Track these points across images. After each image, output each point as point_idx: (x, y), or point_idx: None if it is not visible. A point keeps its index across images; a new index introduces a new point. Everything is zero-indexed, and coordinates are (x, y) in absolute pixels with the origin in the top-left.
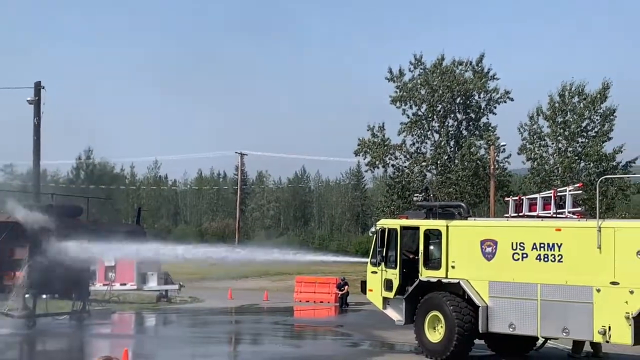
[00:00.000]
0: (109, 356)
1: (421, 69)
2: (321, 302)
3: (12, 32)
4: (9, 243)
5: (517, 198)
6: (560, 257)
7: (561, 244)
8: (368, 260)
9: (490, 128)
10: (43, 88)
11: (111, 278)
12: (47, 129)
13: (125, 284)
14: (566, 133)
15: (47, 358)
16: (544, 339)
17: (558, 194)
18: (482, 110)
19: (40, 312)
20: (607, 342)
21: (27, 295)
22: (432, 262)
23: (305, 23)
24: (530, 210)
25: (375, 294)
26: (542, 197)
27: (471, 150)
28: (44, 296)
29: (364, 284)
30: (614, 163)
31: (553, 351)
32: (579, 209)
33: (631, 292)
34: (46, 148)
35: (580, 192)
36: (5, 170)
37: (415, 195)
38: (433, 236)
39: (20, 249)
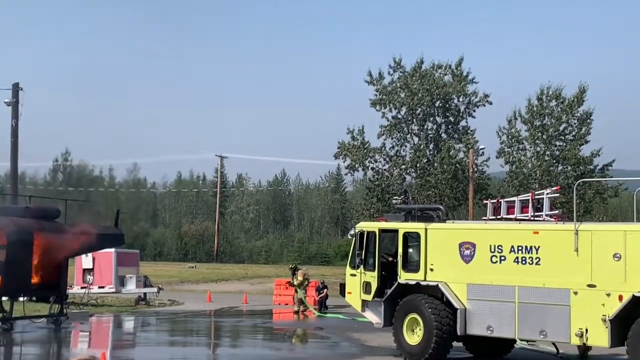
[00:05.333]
0: (92, 356)
1: (400, 72)
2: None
3: None
4: None
5: (495, 201)
6: (537, 259)
7: (539, 247)
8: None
9: (469, 131)
10: (21, 89)
11: (89, 281)
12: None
13: (103, 287)
14: (544, 136)
15: None
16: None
17: (536, 197)
18: (461, 114)
19: (17, 315)
20: (584, 344)
21: (4, 298)
22: (411, 265)
23: (282, 25)
24: (508, 213)
25: (354, 297)
26: (520, 200)
27: (450, 153)
28: (21, 299)
29: (343, 286)
30: (592, 166)
31: (538, 355)
32: (557, 211)
33: (608, 295)
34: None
35: (557, 195)
36: None
37: (395, 198)
38: (412, 239)
39: None
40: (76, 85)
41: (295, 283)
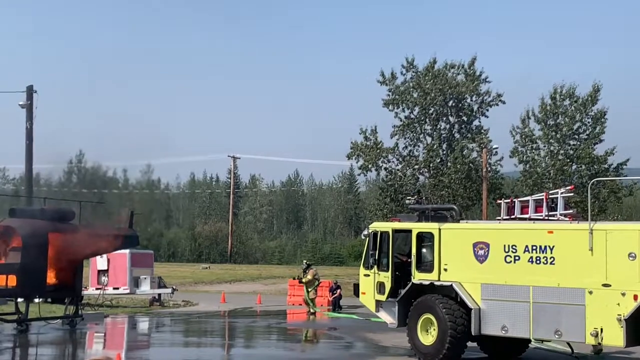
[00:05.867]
0: (107, 357)
1: (413, 72)
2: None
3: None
4: (1, 247)
5: (509, 201)
6: (552, 259)
7: (553, 247)
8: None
9: (482, 131)
10: (35, 92)
11: (104, 282)
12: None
13: (118, 288)
14: (558, 136)
15: None
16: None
17: (550, 196)
18: (474, 113)
19: (33, 317)
20: (599, 344)
21: (19, 300)
22: (425, 265)
23: (298, 25)
24: (522, 213)
25: (368, 297)
26: (534, 200)
27: (463, 153)
28: (36, 300)
29: (356, 287)
30: (606, 165)
31: (553, 355)
32: (571, 211)
33: (623, 294)
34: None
35: (572, 194)
36: None
37: (408, 198)
38: (425, 239)
39: (12, 252)
40: (90, 87)
41: (304, 280)
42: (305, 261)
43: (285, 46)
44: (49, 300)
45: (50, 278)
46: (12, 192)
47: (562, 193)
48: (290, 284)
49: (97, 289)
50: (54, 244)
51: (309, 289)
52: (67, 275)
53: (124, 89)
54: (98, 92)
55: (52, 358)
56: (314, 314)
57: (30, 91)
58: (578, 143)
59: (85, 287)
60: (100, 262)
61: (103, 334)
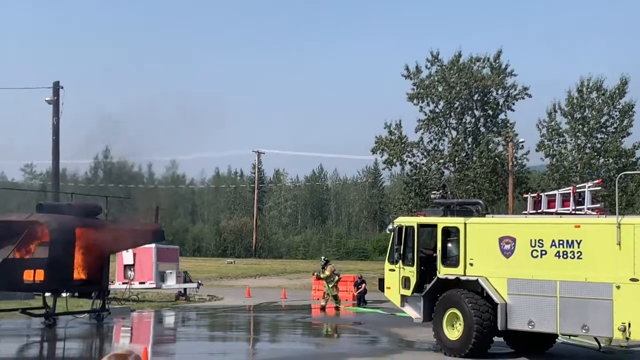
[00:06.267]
0: (130, 350)
1: (438, 65)
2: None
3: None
4: (29, 242)
5: (535, 195)
6: (579, 253)
7: (580, 241)
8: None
9: (508, 125)
10: (62, 88)
11: (130, 276)
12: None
13: (144, 283)
14: (585, 129)
15: (68, 355)
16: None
17: (577, 190)
18: (500, 107)
19: (60, 311)
20: (627, 339)
21: (47, 294)
22: (450, 260)
23: (320, 18)
24: (548, 207)
25: (393, 292)
26: (561, 194)
27: (489, 147)
28: (64, 294)
29: (381, 281)
30: (634, 159)
31: (580, 350)
32: (598, 205)
33: None
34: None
35: (599, 188)
36: (26, 170)
37: (433, 192)
38: (451, 233)
39: (40, 247)
40: (115, 81)
41: (322, 276)
42: (323, 257)
43: (310, 40)
44: (76, 294)
45: (78, 273)
46: (39, 187)
47: (589, 187)
48: (315, 278)
49: (123, 283)
50: (81, 239)
51: (330, 285)
52: (94, 270)
53: (149, 83)
54: (124, 86)
55: (79, 352)
56: (323, 308)
57: (56, 87)
58: (605, 136)
59: (112, 282)
60: (127, 256)
61: (130, 328)
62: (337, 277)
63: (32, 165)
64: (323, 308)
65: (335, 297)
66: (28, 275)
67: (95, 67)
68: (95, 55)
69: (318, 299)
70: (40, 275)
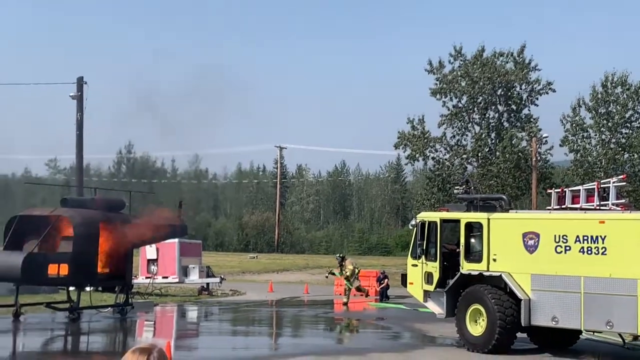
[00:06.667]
0: (153, 344)
1: (461, 60)
2: (361, 295)
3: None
4: (53, 236)
5: (559, 190)
6: (604, 249)
7: (605, 237)
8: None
9: (532, 120)
10: (85, 83)
11: (153, 271)
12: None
13: (167, 277)
14: (609, 124)
15: (92, 349)
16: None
17: (601, 185)
18: (523, 102)
19: (84, 305)
20: None
21: (71, 288)
22: (473, 255)
23: (342, 14)
24: (573, 203)
25: (416, 287)
26: (585, 189)
27: (513, 142)
28: (87, 288)
29: (404, 277)
30: None
31: (604, 346)
32: (623, 200)
33: None
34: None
35: (624, 183)
36: (50, 165)
37: (456, 187)
38: (474, 229)
39: (64, 242)
40: (137, 77)
41: (348, 274)
42: (338, 254)
43: (334, 35)
44: (100, 289)
45: (101, 267)
46: (63, 182)
47: (614, 182)
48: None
49: (146, 278)
50: (104, 233)
51: (351, 279)
52: (118, 264)
53: (170, 78)
54: (145, 82)
55: (103, 346)
56: (346, 304)
57: (80, 82)
58: (630, 131)
59: (135, 276)
60: (150, 251)
61: (153, 323)
62: (356, 270)
63: (56, 160)
64: (346, 304)
65: (359, 289)
66: (52, 270)
67: (125, 59)
68: (122, 47)
69: (340, 294)
70: (64, 269)
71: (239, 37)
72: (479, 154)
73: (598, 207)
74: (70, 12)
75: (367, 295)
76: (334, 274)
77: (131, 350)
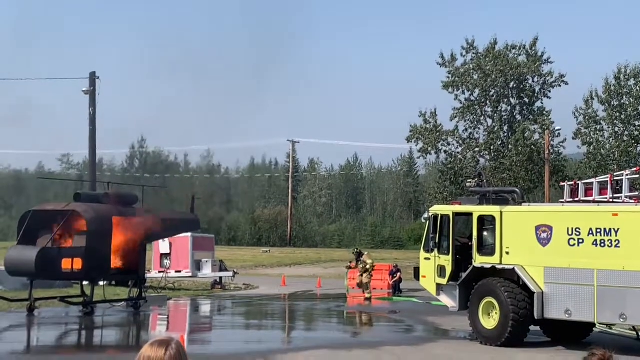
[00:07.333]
0: (170, 337)
1: (473, 53)
2: (374, 288)
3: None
4: (67, 231)
5: (572, 183)
6: (617, 242)
7: (618, 229)
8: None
9: (544, 112)
10: (98, 78)
11: (166, 265)
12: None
13: (180, 271)
14: (622, 116)
15: (106, 343)
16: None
17: (615, 178)
18: (536, 95)
19: (98, 299)
20: None
21: (85, 283)
22: (486, 248)
23: (352, 7)
24: (586, 195)
25: (429, 281)
26: (599, 182)
27: (525, 135)
28: (101, 283)
29: (417, 270)
30: None
31: (618, 339)
32: (637, 193)
33: None
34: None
35: (637, 176)
36: (63, 160)
37: (468, 181)
38: (487, 222)
39: (78, 236)
40: (152, 71)
41: (368, 268)
42: (355, 248)
43: (344, 28)
44: (114, 283)
45: (115, 261)
46: (76, 177)
47: (627, 175)
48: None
49: (160, 272)
50: (118, 228)
51: (363, 274)
52: (131, 259)
53: (183, 73)
54: (160, 75)
55: (117, 340)
56: (369, 299)
57: (92, 78)
58: None
59: (149, 270)
60: (163, 245)
61: (166, 317)
62: (371, 267)
63: (69, 155)
64: (369, 299)
65: (367, 286)
66: (66, 264)
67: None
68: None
69: (354, 287)
70: (78, 264)
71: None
72: (492, 147)
73: (611, 200)
74: None
75: (369, 299)
76: (367, 269)
77: (149, 343)
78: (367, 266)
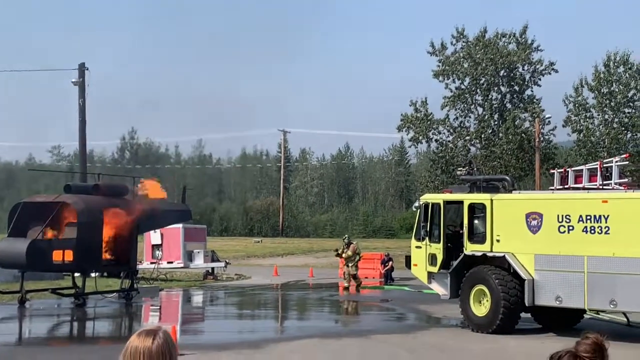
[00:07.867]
0: (159, 326)
1: (463, 42)
2: (366, 277)
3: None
4: (57, 223)
5: (562, 170)
6: (607, 229)
7: (608, 216)
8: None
9: (534, 100)
10: (87, 69)
11: (158, 256)
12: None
13: (172, 262)
14: (612, 104)
15: (98, 334)
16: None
17: (604, 165)
18: (526, 83)
19: (89, 290)
20: None
21: (76, 274)
22: (477, 236)
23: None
24: (576, 183)
25: (420, 269)
26: (588, 169)
27: (515, 123)
28: (93, 274)
29: (408, 259)
30: None
31: (608, 325)
32: (626, 180)
33: None
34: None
35: (627, 163)
36: (53, 152)
37: (459, 169)
38: (477, 210)
39: (68, 228)
40: (143, 62)
41: (343, 256)
42: (346, 236)
43: (336, 17)
44: (105, 274)
45: (106, 253)
46: (66, 168)
47: (616, 162)
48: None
49: (151, 263)
50: (108, 219)
51: (349, 264)
52: (123, 250)
53: (175, 62)
54: (152, 65)
55: (109, 331)
56: (347, 288)
57: (82, 68)
58: (633, 111)
59: (140, 262)
60: (154, 236)
61: (158, 307)
62: (357, 257)
63: (59, 147)
64: (347, 288)
65: (355, 277)
66: (57, 256)
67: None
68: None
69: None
70: (69, 255)
71: (243, 22)
72: (482, 136)
73: (601, 187)
74: None
75: (357, 288)
76: (341, 255)
77: (136, 333)
78: (344, 255)
